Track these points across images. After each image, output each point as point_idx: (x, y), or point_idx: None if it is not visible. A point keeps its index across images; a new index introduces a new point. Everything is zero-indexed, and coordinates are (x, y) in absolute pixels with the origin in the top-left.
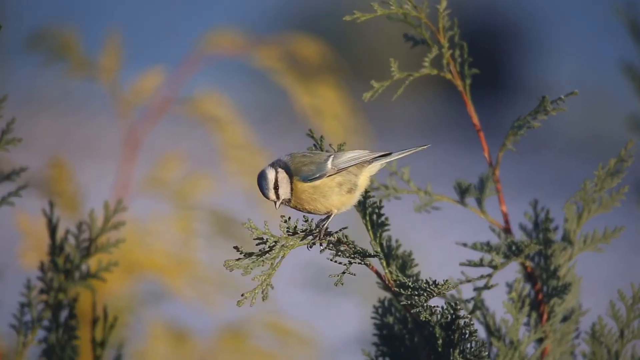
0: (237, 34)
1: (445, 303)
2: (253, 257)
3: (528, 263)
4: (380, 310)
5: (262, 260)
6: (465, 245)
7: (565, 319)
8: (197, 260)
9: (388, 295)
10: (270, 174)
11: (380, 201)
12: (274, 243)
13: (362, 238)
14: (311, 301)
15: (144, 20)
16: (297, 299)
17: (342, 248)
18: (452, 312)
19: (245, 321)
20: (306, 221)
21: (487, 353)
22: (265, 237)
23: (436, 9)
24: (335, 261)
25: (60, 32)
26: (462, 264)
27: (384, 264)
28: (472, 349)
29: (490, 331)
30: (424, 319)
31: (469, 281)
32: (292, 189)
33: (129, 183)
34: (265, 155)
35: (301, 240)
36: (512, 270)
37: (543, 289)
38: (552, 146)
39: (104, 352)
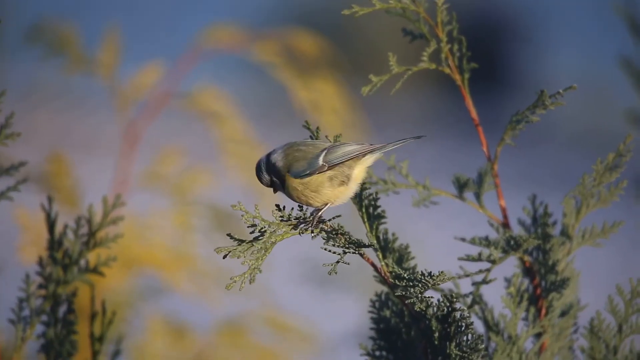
0: (235, 28)
1: (441, 296)
2: (244, 243)
3: (526, 258)
4: (377, 304)
5: (252, 244)
6: (463, 239)
7: (563, 313)
8: (196, 255)
9: (385, 289)
10: (264, 165)
11: (377, 193)
12: (265, 228)
13: (358, 230)
14: (309, 296)
15: (143, 15)
16: (295, 294)
17: (336, 236)
18: (448, 304)
19: (244, 316)
20: (300, 209)
21: (483, 346)
22: (256, 221)
23: (435, 3)
24: (329, 250)
25: (59, 27)
26: (460, 259)
27: (380, 256)
28: (469, 342)
29: (488, 326)
30: (418, 309)
31: (467, 276)
32: (284, 182)
33: (127, 178)
34: (264, 150)
35: (293, 228)
36: (511, 265)
37: (541, 284)
38: (550, 141)
39: (102, 347)
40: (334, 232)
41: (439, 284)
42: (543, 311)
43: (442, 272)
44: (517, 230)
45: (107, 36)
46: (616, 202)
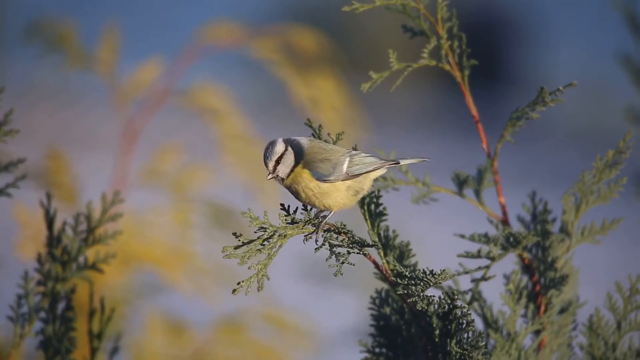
0: (234, 25)
1: (442, 293)
2: (251, 245)
3: (526, 255)
4: (377, 301)
5: (259, 250)
6: (463, 236)
7: (562, 310)
8: (195, 252)
9: (385, 286)
10: (279, 147)
11: (379, 191)
12: (272, 232)
13: (359, 227)
14: (309, 293)
15: (142, 11)
16: (295, 291)
17: (339, 238)
18: (449, 302)
19: (243, 313)
20: (305, 210)
21: (484, 343)
22: (265, 226)
23: (435, 0)
24: (334, 252)
25: (58, 24)
26: (459, 256)
27: (382, 254)
28: (469, 339)
29: (487, 323)
30: (420, 308)
31: (466, 272)
32: (291, 172)
33: (126, 175)
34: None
35: (299, 230)
36: (510, 262)
37: (540, 281)
38: (550, 138)
39: (101, 343)
40: (337, 233)
41: (440, 282)
42: (542, 308)
43: (444, 270)
44: (516, 227)
45: (105, 33)
46: (616, 199)
